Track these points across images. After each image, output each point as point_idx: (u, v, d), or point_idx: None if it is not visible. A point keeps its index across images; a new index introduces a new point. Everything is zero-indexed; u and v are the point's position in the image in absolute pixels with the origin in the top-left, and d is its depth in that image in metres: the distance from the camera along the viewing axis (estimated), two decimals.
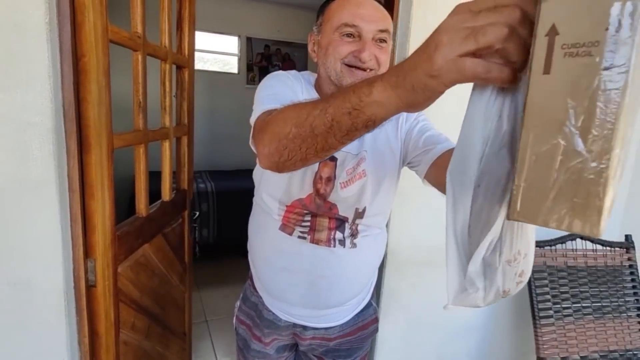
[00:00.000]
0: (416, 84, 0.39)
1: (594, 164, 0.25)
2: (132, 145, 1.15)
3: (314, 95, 0.88)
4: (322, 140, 0.49)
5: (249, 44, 4.29)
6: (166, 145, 1.40)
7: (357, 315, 1.01)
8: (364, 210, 0.89)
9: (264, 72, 4.44)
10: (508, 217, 0.31)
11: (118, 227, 1.10)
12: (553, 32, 0.26)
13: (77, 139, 0.91)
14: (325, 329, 0.98)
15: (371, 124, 0.45)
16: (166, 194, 1.44)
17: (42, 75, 0.80)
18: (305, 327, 0.97)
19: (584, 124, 0.25)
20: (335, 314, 0.97)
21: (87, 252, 0.98)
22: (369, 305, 1.04)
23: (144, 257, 1.28)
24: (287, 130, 0.53)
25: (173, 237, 1.52)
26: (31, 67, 0.79)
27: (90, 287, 1.00)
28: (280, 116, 0.57)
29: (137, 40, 1.10)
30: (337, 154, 0.84)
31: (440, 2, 1.28)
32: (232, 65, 4.36)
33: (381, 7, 0.80)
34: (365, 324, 1.03)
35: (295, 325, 0.98)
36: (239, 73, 4.34)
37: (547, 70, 0.26)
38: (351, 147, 0.84)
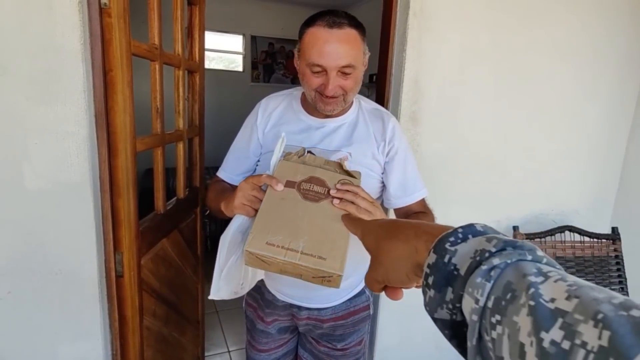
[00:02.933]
0: (227, 210, 0.86)
1: None
2: (152, 148, 1.25)
3: (287, 115, 1.06)
4: (216, 213, 0.97)
5: (253, 42, 4.38)
6: (180, 146, 1.50)
7: (349, 300, 1.11)
8: None
9: (268, 69, 4.53)
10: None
11: (140, 222, 1.21)
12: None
13: (107, 145, 1.01)
14: (318, 309, 1.09)
15: (224, 215, 0.91)
16: (180, 192, 1.55)
17: (78, 90, 0.91)
18: (300, 308, 1.09)
19: None
20: (327, 296, 1.08)
21: (116, 245, 1.09)
22: (361, 292, 1.13)
23: (162, 250, 1.39)
24: (208, 204, 1.08)
25: (187, 232, 1.63)
26: (68, 84, 0.90)
27: (118, 277, 1.11)
28: (208, 197, 1.10)
29: (155, 52, 1.20)
30: (314, 151, 0.99)
31: (434, 12, 1.38)
32: (237, 63, 4.46)
33: (349, 38, 0.87)
34: (356, 310, 1.12)
35: (291, 305, 1.09)
36: (244, 71, 4.44)
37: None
38: (326, 144, 1.00)
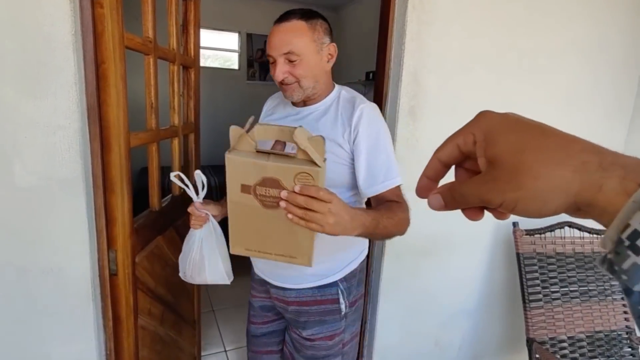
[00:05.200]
0: None
1: None
2: (146, 144, 1.23)
3: (278, 107, 1.17)
4: None
5: (249, 40, 4.35)
6: (175, 143, 1.47)
7: (317, 288, 1.08)
8: None
9: (264, 67, 4.50)
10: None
11: (135, 220, 1.18)
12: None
13: (100, 139, 0.99)
14: (283, 289, 1.09)
15: None
16: (176, 189, 1.52)
17: (69, 82, 0.88)
18: (270, 285, 1.12)
19: None
20: (290, 277, 1.07)
21: (109, 243, 1.06)
22: (333, 284, 1.08)
23: (157, 248, 1.36)
24: None
25: (183, 230, 1.59)
26: (59, 75, 0.87)
27: (112, 275, 1.08)
28: None
29: (149, 45, 1.18)
30: None
31: (433, 5, 1.36)
32: (232, 61, 4.42)
33: (293, 28, 0.96)
34: (323, 300, 1.08)
35: (265, 282, 1.14)
36: (239, 69, 4.40)
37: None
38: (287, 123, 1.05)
